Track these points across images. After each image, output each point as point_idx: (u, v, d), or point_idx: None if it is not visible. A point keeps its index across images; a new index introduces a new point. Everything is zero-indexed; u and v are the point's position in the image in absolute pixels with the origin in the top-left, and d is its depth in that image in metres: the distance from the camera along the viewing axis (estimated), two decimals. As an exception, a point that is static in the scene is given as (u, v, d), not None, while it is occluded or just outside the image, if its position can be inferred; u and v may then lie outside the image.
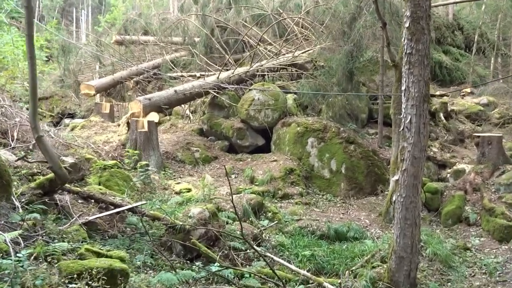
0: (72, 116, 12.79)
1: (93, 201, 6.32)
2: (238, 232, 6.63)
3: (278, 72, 14.39)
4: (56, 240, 4.74)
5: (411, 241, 5.29)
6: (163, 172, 9.80)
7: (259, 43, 15.17)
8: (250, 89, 11.72)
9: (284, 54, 14.78)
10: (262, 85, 11.78)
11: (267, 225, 7.65)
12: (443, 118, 12.81)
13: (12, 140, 7.47)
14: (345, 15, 11.18)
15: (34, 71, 5.04)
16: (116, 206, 6.25)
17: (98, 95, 12.47)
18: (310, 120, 10.96)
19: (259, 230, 7.33)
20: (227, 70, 12.88)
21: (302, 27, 15.51)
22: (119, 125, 11.09)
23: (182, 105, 14.30)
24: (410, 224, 5.26)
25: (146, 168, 8.93)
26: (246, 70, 12.83)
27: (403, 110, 5.23)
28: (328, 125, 10.69)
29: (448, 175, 9.77)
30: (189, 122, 12.86)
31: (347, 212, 9.33)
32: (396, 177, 5.33)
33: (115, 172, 8.19)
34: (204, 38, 15.15)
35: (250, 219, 7.56)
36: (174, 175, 10.06)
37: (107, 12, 40.61)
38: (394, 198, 5.38)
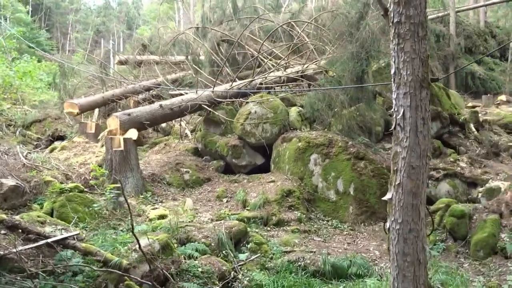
0: (62, 138, 11.94)
1: (20, 231, 5.15)
2: (200, 270, 5.26)
3: (286, 85, 13.15)
4: None
5: (414, 285, 3.74)
6: (143, 196, 8.59)
7: (262, 54, 14.06)
8: (247, 102, 10.47)
9: (293, 66, 13.57)
10: (261, 97, 10.51)
11: (246, 259, 6.21)
12: (473, 129, 11.06)
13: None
14: (351, 13, 9.85)
15: None
16: (45, 237, 5.04)
17: (83, 114, 11.62)
18: (314, 134, 9.53)
19: (232, 266, 5.92)
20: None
21: (312, 38, 14.26)
22: (103, 145, 10.06)
23: (183, 124, 13.25)
24: (411, 261, 3.72)
25: (117, 191, 7.74)
26: (246, 83, 11.63)
27: (393, 102, 3.79)
28: (334, 139, 9.22)
29: (480, 194, 8.03)
30: (183, 141, 11.68)
31: (354, 241, 7.74)
32: (388, 195, 3.85)
33: (74, 197, 7.07)
34: (207, 53, 14.17)
35: (224, 252, 6.15)
36: (156, 200, 8.83)
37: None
38: (387, 225, 3.89)
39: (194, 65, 13.21)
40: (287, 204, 8.39)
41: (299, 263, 6.31)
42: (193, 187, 9.74)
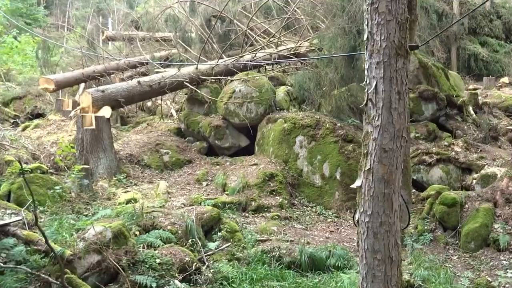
0: (41, 116, 11.40)
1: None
2: (158, 261, 4.78)
3: (277, 64, 12.53)
4: None
5: (385, 286, 3.23)
6: (116, 178, 8.08)
7: (255, 32, 13.38)
8: (232, 80, 9.87)
9: (285, 44, 12.91)
10: (246, 75, 9.90)
11: (215, 248, 5.73)
12: (472, 112, 10.46)
13: None
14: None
15: None
16: (-17, 223, 4.54)
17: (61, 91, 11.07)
18: (300, 115, 8.96)
19: (199, 256, 5.44)
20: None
21: (306, 14, 13.54)
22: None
23: (168, 103, 12.68)
24: (381, 259, 3.21)
25: (85, 173, 7.25)
26: (234, 60, 11.01)
27: (365, 73, 3.22)
28: (321, 121, 8.65)
29: (474, 181, 7.50)
30: (165, 121, 11.14)
31: (338, 229, 7.25)
32: (357, 182, 3.31)
33: (34, 178, 6.55)
34: (196, 29, 13.51)
35: (191, 240, 5.66)
36: (131, 182, 8.33)
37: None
38: (356, 217, 3.37)
39: (181, 42, 12.56)
40: (268, 188, 7.88)
41: (273, 253, 5.81)
42: (173, 169, 9.23)
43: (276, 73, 11.11)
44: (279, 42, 12.59)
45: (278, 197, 7.77)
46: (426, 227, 6.53)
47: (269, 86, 9.69)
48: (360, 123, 9.24)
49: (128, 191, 7.51)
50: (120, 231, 4.69)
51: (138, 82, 9.08)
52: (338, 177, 8.12)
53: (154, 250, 5.08)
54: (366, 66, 3.18)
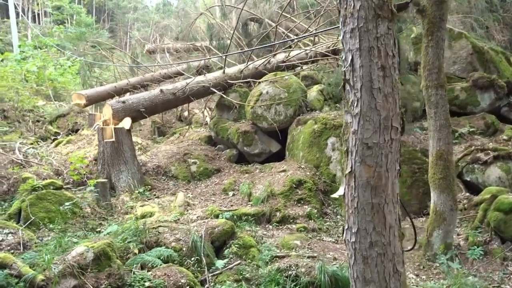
0: (77, 131, 11.56)
1: None
2: (147, 284, 4.25)
3: (314, 63, 11.72)
4: None
5: (384, 329, 2.41)
6: (138, 191, 7.77)
7: (293, 31, 12.68)
8: (259, 82, 9.26)
9: (323, 41, 12.08)
10: (275, 75, 9.24)
11: (222, 267, 5.10)
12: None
13: None
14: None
15: None
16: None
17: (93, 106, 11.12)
18: (332, 115, 8.12)
19: (202, 277, 4.85)
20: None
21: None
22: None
23: (197, 111, 12.35)
24: (376, 292, 2.40)
25: (102, 187, 6.99)
26: (265, 61, 10.39)
27: (342, 45, 2.46)
28: (356, 119, 7.74)
29: (542, 181, 6.20)
30: (197, 129, 10.76)
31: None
32: (340, 191, 2.55)
33: (46, 195, 6.36)
34: (232, 34, 13.08)
35: (195, 258, 5.08)
36: (154, 195, 7.98)
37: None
38: (344, 236, 2.59)
39: (213, 49, 12.19)
40: (296, 197, 7.12)
41: (290, 272, 5.06)
42: (200, 179, 8.78)
43: (309, 72, 10.31)
44: (315, 40, 11.79)
45: (306, 206, 6.99)
46: (478, 239, 5.42)
47: (298, 85, 8.95)
48: (405, 120, 8.21)
49: (146, 205, 7.14)
50: (103, 252, 4.22)
51: (161, 90, 8.77)
52: (375, 181, 7.14)
53: (148, 271, 4.58)
54: (341, 37, 2.42)
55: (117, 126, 7.85)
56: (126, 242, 5.22)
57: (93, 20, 43.54)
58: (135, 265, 4.73)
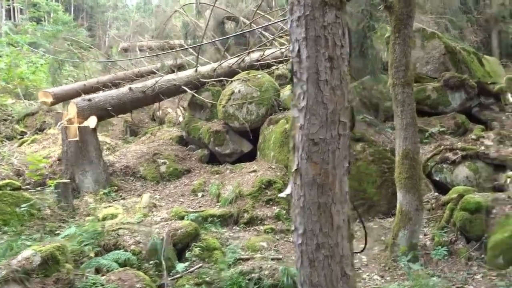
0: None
1: None
2: (100, 289, 4.03)
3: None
4: None
5: (332, 336, 2.27)
6: (103, 192, 7.50)
7: (269, 31, 12.57)
8: (232, 81, 9.09)
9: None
10: (247, 74, 9.09)
11: (182, 271, 4.91)
12: (511, 99, 9.02)
13: None
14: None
15: None
16: None
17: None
18: (304, 114, 7.99)
19: (161, 281, 4.65)
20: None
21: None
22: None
23: (179, 112, 12.10)
24: (324, 298, 2.26)
25: (64, 187, 6.71)
26: (239, 59, 10.23)
27: (290, 35, 2.31)
28: (327, 118, 7.64)
29: (509, 180, 6.21)
30: (170, 129, 10.53)
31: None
32: (287, 190, 2.41)
33: (3, 196, 6.06)
34: (207, 33, 12.87)
35: (153, 262, 4.88)
36: (120, 196, 7.73)
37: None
38: (292, 238, 2.45)
39: (187, 47, 11.97)
40: (264, 198, 6.97)
41: (253, 275, 4.91)
42: (169, 180, 8.56)
43: (284, 71, 10.21)
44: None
45: (275, 207, 6.85)
46: (444, 239, 5.36)
47: (271, 84, 8.82)
48: (373, 119, 8.18)
49: (110, 206, 6.89)
50: (51, 256, 3.99)
51: (130, 88, 8.52)
52: (346, 181, 7.06)
53: (103, 275, 4.36)
54: (288, 26, 2.27)
55: (81, 125, 7.57)
56: (83, 245, 4.98)
57: (71, 18, 42.63)
58: (89, 270, 4.51)
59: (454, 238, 5.36)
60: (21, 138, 11.05)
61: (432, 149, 7.30)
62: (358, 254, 5.67)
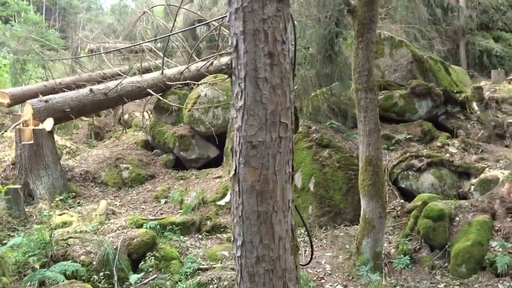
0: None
1: None
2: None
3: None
4: None
5: None
6: (59, 199, 7.12)
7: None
8: (198, 84, 8.87)
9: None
10: (215, 77, 8.89)
11: (135, 282, 4.64)
12: (476, 108, 9.12)
13: None
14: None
15: None
16: None
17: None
18: (271, 119, 7.84)
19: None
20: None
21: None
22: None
23: (146, 115, 11.77)
24: (264, 315, 2.07)
25: (14, 193, 6.32)
26: (208, 63, 10.01)
27: (229, 29, 2.13)
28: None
29: (472, 187, 6.19)
30: (136, 133, 10.20)
31: (305, 251, 6.05)
32: (225, 198, 2.15)
33: None
34: (177, 36, 12.64)
35: (104, 273, 4.59)
36: (79, 203, 7.37)
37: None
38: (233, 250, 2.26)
39: (155, 50, 11.71)
40: (228, 204, 6.76)
41: (211, 286, 4.69)
42: (132, 185, 8.26)
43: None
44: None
45: (239, 215, 6.64)
46: (408, 247, 5.27)
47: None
48: (341, 125, 8.10)
49: (64, 213, 6.53)
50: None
51: (91, 89, 8.19)
52: (311, 188, 6.93)
53: (44, 288, 4.05)
54: (227, 19, 2.09)
55: (37, 127, 7.20)
56: (27, 255, 4.66)
57: (43, 18, 41.52)
58: (32, 283, 4.20)
59: (418, 246, 5.28)
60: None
61: (398, 156, 7.26)
62: (324, 261, 5.54)
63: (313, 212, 6.82)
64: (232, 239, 2.16)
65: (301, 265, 2.58)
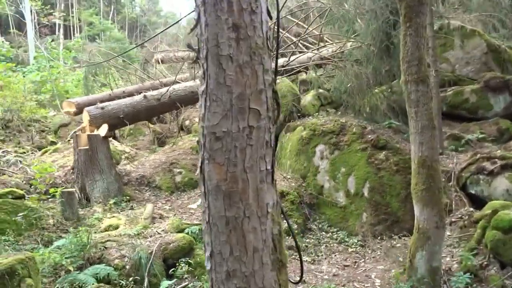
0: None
1: None
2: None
3: (320, 67, 11.03)
4: None
5: None
6: (112, 202, 7.28)
7: (301, 37, 12.06)
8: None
9: (331, 46, 11.39)
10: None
11: (165, 289, 4.48)
12: None
13: None
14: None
15: None
16: None
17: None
18: (323, 119, 7.40)
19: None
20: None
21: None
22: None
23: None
24: None
25: (68, 197, 6.55)
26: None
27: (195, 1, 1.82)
28: (347, 125, 7.01)
29: (558, 194, 5.23)
30: (190, 138, 10.26)
31: (355, 263, 5.50)
32: (198, 201, 1.84)
33: (3, 204, 5.96)
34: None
35: (134, 277, 4.48)
36: (132, 206, 7.47)
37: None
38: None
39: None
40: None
41: (243, 297, 4.36)
42: (184, 190, 8.22)
43: (308, 76, 9.62)
44: (319, 43, 11.11)
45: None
46: (472, 263, 4.53)
47: (289, 89, 8.31)
48: (402, 125, 7.39)
49: (114, 216, 6.63)
50: (10, 270, 3.70)
51: (144, 96, 8.34)
52: (366, 193, 6.36)
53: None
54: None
55: (91, 133, 7.44)
56: (64, 257, 4.70)
57: (125, 35, 44.59)
58: (62, 285, 4.20)
59: (485, 262, 4.52)
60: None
61: (468, 158, 6.41)
62: (374, 275, 4.98)
63: (367, 220, 6.23)
64: (203, 249, 1.84)
65: (293, 282, 2.18)
